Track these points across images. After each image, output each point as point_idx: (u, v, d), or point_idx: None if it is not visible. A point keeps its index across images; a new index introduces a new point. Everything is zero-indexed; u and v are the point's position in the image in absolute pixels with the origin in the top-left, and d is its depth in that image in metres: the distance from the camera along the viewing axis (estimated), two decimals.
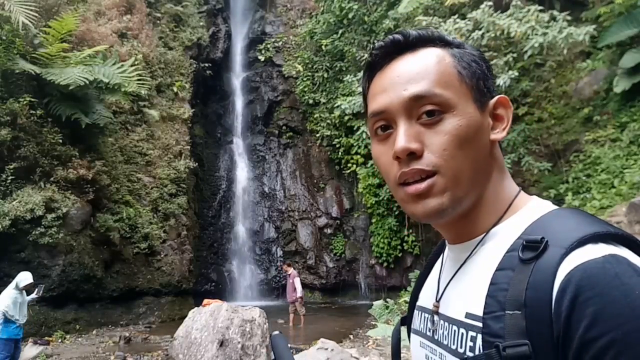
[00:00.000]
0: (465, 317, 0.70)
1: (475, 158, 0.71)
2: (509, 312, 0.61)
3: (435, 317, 0.79)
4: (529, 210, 0.72)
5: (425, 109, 0.70)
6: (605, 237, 0.61)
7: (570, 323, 0.56)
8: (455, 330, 0.72)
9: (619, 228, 0.64)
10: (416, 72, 0.72)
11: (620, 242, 0.61)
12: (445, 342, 0.74)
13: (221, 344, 7.07)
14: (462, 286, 0.74)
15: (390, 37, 0.76)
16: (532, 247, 0.63)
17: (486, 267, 0.69)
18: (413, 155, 0.69)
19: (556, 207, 0.72)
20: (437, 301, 0.79)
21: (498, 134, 0.74)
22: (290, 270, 13.10)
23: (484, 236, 0.73)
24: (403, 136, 0.69)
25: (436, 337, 0.78)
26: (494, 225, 0.73)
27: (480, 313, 0.66)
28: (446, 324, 0.75)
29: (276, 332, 0.97)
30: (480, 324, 0.65)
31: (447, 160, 0.69)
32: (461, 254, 0.76)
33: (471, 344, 0.67)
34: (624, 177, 9.91)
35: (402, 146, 0.69)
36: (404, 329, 0.93)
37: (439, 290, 0.80)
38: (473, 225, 0.75)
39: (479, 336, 0.65)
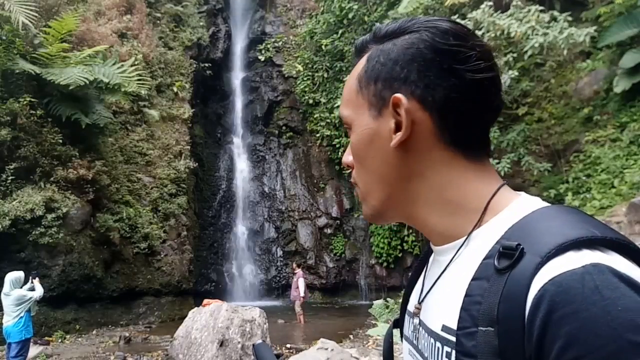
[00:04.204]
0: (442, 329, 0.64)
1: (375, 170, 0.70)
2: (482, 328, 0.55)
3: (416, 322, 0.74)
4: (512, 210, 0.64)
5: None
6: (590, 243, 0.53)
7: (542, 344, 0.50)
8: (432, 343, 0.67)
9: (612, 229, 0.56)
10: (344, 91, 0.77)
11: (610, 246, 0.53)
12: (426, 354, 0.70)
13: (221, 344, 7.08)
14: (440, 294, 0.69)
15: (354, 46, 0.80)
16: (508, 255, 0.56)
17: (463, 275, 0.63)
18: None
19: (545, 204, 0.64)
20: (419, 303, 0.74)
21: (394, 140, 0.67)
22: (297, 270, 13.62)
23: (465, 239, 0.66)
24: (346, 151, 0.77)
25: (420, 347, 0.73)
26: (475, 227, 0.66)
27: (455, 327, 0.60)
28: (426, 334, 0.70)
29: (259, 342, 0.95)
30: (455, 340, 0.60)
31: (357, 175, 0.74)
32: (443, 257, 0.71)
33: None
34: (624, 177, 9.92)
35: (343, 160, 0.77)
36: (397, 332, 0.88)
37: (422, 292, 0.75)
38: (440, 231, 0.69)
39: (454, 352, 0.60)
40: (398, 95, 0.66)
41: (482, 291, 0.57)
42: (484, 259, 0.60)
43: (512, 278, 0.54)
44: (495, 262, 0.57)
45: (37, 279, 7.84)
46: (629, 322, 0.47)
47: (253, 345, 0.97)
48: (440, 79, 0.65)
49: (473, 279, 0.60)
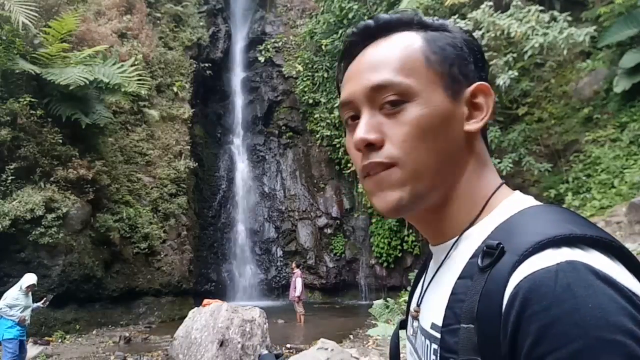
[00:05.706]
0: (431, 327, 0.66)
1: (441, 151, 0.65)
2: (463, 325, 0.57)
3: (415, 325, 0.75)
4: (502, 209, 0.65)
5: (387, 99, 0.66)
6: (571, 240, 0.53)
7: (515, 341, 0.51)
8: (423, 341, 0.68)
9: (596, 228, 0.57)
10: (380, 59, 0.68)
11: (591, 244, 0.53)
12: (420, 353, 0.71)
13: (221, 344, 7.08)
14: (433, 293, 0.70)
15: (363, 23, 0.73)
16: (490, 254, 0.57)
17: (452, 273, 0.64)
18: (373, 147, 0.66)
19: (536, 203, 0.64)
20: (418, 306, 0.75)
21: (473, 125, 0.67)
22: (296, 270, 13.68)
23: (458, 238, 0.67)
24: (363, 127, 0.66)
25: (416, 347, 0.74)
26: (469, 226, 0.67)
27: (441, 324, 0.62)
28: (419, 333, 0.72)
29: (265, 352, 0.95)
30: (440, 336, 0.62)
31: (406, 153, 0.64)
32: (439, 257, 0.71)
33: (433, 357, 0.63)
34: (624, 177, 9.91)
35: (360, 137, 0.66)
36: (403, 333, 0.89)
37: (420, 294, 0.75)
38: (446, 224, 0.69)
39: (439, 349, 0.61)
40: (485, 84, 0.69)
41: (466, 289, 0.58)
42: (470, 258, 0.61)
43: (491, 276, 0.56)
44: (479, 261, 0.58)
45: (49, 300, 8.05)
46: (598, 319, 0.47)
47: (259, 355, 0.98)
48: (483, 72, 0.72)
49: (459, 278, 0.61)
